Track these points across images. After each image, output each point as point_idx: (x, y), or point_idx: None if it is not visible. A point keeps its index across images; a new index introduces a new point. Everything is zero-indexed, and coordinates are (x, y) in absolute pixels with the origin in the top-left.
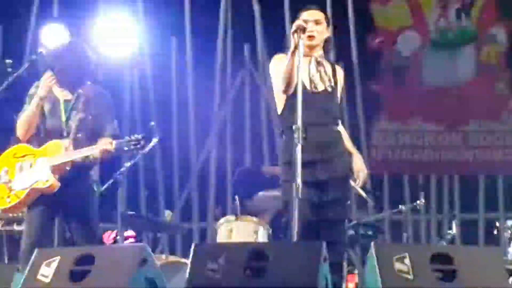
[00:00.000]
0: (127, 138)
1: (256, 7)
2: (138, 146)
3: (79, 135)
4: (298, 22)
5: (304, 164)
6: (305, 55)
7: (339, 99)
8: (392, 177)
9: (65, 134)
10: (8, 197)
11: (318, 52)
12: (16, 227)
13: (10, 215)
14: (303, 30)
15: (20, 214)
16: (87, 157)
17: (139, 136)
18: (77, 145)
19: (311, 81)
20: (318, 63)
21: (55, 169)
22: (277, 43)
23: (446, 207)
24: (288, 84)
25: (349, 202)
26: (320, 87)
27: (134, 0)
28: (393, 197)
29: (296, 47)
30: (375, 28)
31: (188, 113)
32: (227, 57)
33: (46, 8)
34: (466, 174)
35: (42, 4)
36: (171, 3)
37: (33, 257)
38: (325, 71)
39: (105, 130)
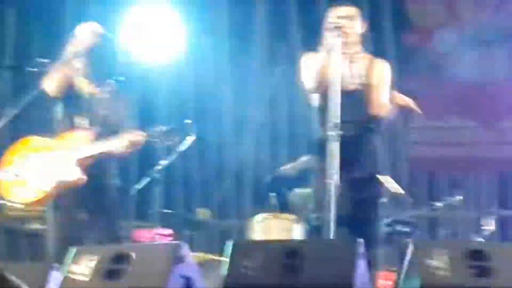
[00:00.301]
0: (159, 128)
1: (292, 6)
2: (170, 139)
3: (100, 129)
4: (334, 20)
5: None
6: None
7: (373, 95)
8: (429, 174)
9: (87, 127)
10: (30, 190)
11: (354, 49)
12: (34, 225)
13: (33, 213)
14: (339, 28)
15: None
16: (111, 150)
17: (169, 128)
18: (97, 139)
19: (342, 79)
20: (351, 61)
21: (81, 162)
22: (313, 41)
23: (484, 203)
24: (319, 83)
25: (380, 200)
26: (351, 86)
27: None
28: (430, 194)
29: (332, 47)
30: (411, 25)
31: (225, 112)
32: (263, 54)
33: (80, 8)
34: (504, 170)
35: (77, 4)
36: (207, 4)
37: (71, 255)
38: (358, 68)
39: (124, 128)
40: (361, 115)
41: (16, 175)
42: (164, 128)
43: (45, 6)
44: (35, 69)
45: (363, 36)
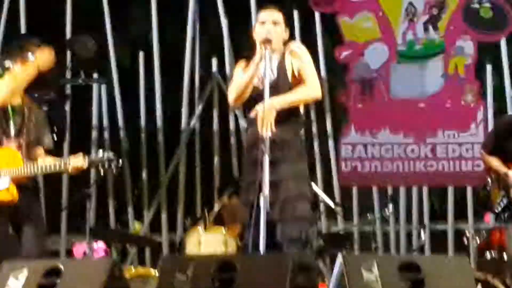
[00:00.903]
0: (100, 155)
1: (224, 21)
2: (113, 165)
3: (21, 140)
4: (265, 30)
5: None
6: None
7: (286, 87)
8: (361, 189)
9: (11, 138)
10: None
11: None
12: None
13: None
14: (269, 42)
15: None
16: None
17: (111, 154)
18: (21, 150)
19: (257, 79)
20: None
21: (15, 180)
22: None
23: (416, 217)
24: (239, 96)
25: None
26: (264, 84)
27: (100, 16)
28: (362, 208)
29: (261, 58)
30: (343, 41)
31: (157, 126)
32: (195, 70)
33: (13, 25)
34: (435, 185)
35: (10, 21)
36: (138, 18)
37: (0, 269)
38: (271, 66)
39: (43, 141)
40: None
41: None
42: (111, 155)
43: None
44: None
45: (287, 42)
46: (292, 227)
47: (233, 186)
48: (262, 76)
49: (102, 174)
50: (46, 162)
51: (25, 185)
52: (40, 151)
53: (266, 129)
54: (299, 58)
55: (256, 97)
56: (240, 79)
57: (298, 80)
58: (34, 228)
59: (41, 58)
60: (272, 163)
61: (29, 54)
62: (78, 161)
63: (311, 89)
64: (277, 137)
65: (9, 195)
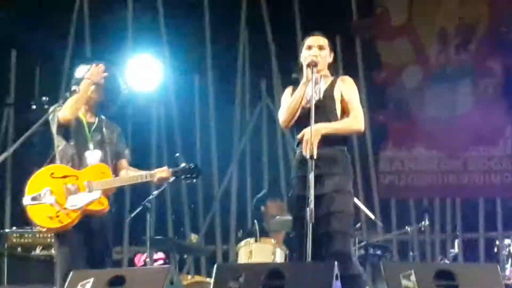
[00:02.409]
0: (182, 165)
1: (272, 46)
2: (194, 175)
3: (102, 154)
4: (312, 58)
5: (300, 179)
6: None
7: (333, 110)
8: (399, 201)
9: (91, 153)
10: (57, 216)
11: (321, 73)
12: (53, 251)
13: (48, 240)
14: (316, 65)
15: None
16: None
17: (192, 165)
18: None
19: (306, 99)
20: (316, 83)
21: (105, 192)
22: (290, 78)
23: (449, 227)
24: (290, 118)
25: (346, 215)
26: (310, 103)
27: (159, 41)
28: (400, 219)
29: (308, 80)
30: (381, 63)
31: (211, 144)
32: (246, 92)
33: (79, 50)
34: (467, 197)
35: (76, 47)
36: (193, 44)
37: (69, 278)
38: (319, 88)
39: (123, 154)
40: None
41: (34, 199)
42: (187, 166)
43: (46, 46)
44: (36, 107)
45: (331, 65)
46: (335, 241)
47: (270, 195)
48: (309, 98)
49: (186, 182)
50: (133, 174)
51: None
52: (122, 164)
53: (310, 151)
54: (350, 88)
55: (303, 116)
56: (289, 101)
57: (344, 107)
58: (104, 243)
59: (92, 73)
60: (318, 178)
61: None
62: (163, 172)
63: (356, 121)
64: (324, 154)
65: (100, 205)
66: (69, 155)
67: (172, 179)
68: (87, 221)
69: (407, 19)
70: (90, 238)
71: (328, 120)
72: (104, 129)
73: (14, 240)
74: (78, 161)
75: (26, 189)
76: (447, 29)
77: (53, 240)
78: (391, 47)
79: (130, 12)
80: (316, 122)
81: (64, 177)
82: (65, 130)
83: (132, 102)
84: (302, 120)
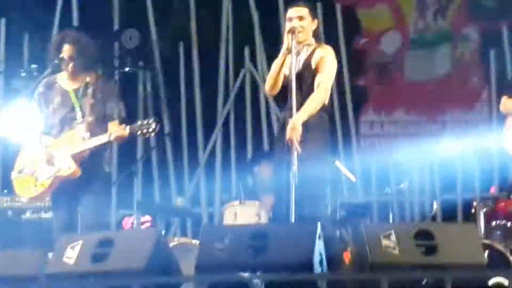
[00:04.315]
0: (139, 122)
1: (255, 14)
2: (150, 130)
3: (91, 119)
4: (291, 24)
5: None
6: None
7: (310, 81)
8: (378, 164)
9: (78, 120)
10: (35, 186)
11: (304, 44)
12: (44, 215)
13: (38, 204)
14: (294, 31)
15: (46, 204)
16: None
17: (151, 120)
18: (89, 129)
19: (289, 70)
20: (297, 53)
21: (75, 157)
22: (273, 45)
23: (428, 188)
24: (272, 85)
25: (316, 179)
26: (293, 74)
27: (144, 8)
28: (379, 182)
29: (288, 49)
30: (361, 29)
31: (196, 109)
32: (229, 58)
33: (67, 18)
34: (444, 158)
35: (64, 15)
36: (178, 12)
37: (58, 241)
38: (302, 57)
39: (113, 114)
40: (301, 97)
41: (19, 172)
42: (151, 120)
43: (34, 14)
44: (26, 74)
45: (315, 31)
46: (303, 204)
47: (264, 157)
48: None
49: (143, 137)
50: (94, 138)
51: (84, 161)
52: (113, 125)
53: (295, 148)
54: (323, 58)
55: (286, 85)
56: (272, 69)
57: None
58: (93, 204)
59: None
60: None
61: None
62: (119, 130)
63: (321, 96)
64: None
65: (69, 170)
66: (50, 125)
67: (127, 134)
68: (75, 183)
69: None
70: (78, 198)
71: (308, 91)
72: (91, 91)
73: (5, 204)
74: (59, 130)
75: (16, 164)
76: None
77: (43, 204)
78: (371, 13)
79: None
80: (298, 92)
81: (46, 147)
82: (44, 99)
83: (117, 70)
84: (285, 89)
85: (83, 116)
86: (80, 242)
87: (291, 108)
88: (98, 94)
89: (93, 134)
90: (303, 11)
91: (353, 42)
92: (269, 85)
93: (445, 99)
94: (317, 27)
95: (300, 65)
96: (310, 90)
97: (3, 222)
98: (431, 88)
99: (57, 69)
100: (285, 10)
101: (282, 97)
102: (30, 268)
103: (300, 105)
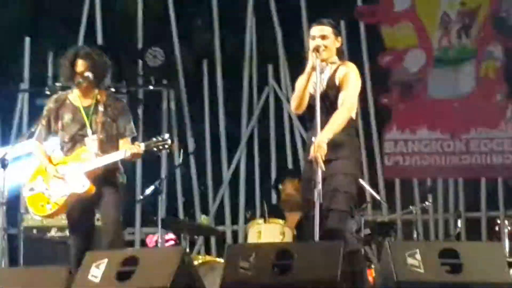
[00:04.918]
0: (153, 139)
1: (278, 31)
2: (166, 146)
3: (102, 136)
4: (315, 43)
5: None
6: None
7: (334, 99)
8: (403, 181)
9: (89, 137)
10: (49, 203)
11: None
12: (57, 233)
13: (63, 221)
14: (318, 50)
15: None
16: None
17: (166, 136)
18: (100, 146)
19: (313, 88)
20: (322, 71)
21: (89, 174)
22: (297, 62)
23: (452, 207)
24: (298, 104)
25: (344, 194)
26: (318, 92)
27: (168, 26)
28: (404, 199)
29: (313, 67)
30: (385, 47)
31: (219, 128)
32: (253, 76)
33: (91, 37)
34: (469, 177)
35: (88, 34)
36: (202, 30)
37: (84, 259)
38: (326, 75)
39: (125, 131)
40: (328, 116)
41: (31, 190)
42: (165, 136)
43: (58, 33)
44: (50, 92)
45: (339, 49)
46: (330, 218)
47: (289, 174)
48: (314, 86)
49: (157, 155)
50: (107, 155)
51: (98, 178)
52: (124, 142)
53: (320, 166)
54: (346, 76)
55: (312, 103)
56: (297, 89)
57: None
58: (111, 218)
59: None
60: (325, 162)
61: None
62: (134, 148)
63: (345, 113)
64: (332, 140)
65: (84, 188)
66: (62, 142)
67: (142, 151)
68: (90, 199)
69: (410, 5)
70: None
71: (332, 108)
72: (102, 109)
73: (30, 222)
74: (71, 147)
75: (27, 180)
76: (449, 14)
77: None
78: (394, 31)
79: None
80: (323, 111)
81: (56, 164)
82: (54, 115)
83: (141, 88)
84: (312, 108)
85: (93, 133)
86: (105, 260)
87: (315, 127)
88: (109, 111)
89: (104, 151)
90: (326, 29)
91: (377, 60)
92: (295, 104)
93: (469, 116)
94: (341, 45)
95: (324, 83)
96: (335, 107)
97: (28, 240)
98: (455, 105)
99: (77, 86)
100: (309, 27)
101: (309, 115)
102: (55, 285)
103: (325, 123)
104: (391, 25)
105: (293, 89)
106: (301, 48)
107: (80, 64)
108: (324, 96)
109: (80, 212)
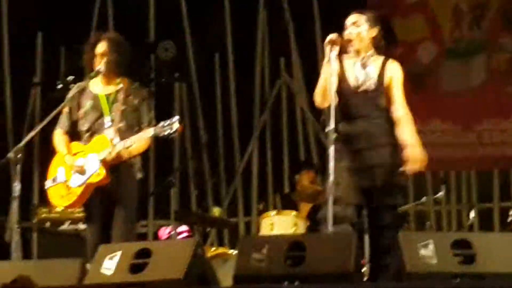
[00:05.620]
0: (161, 123)
1: (290, 24)
2: (174, 129)
3: (121, 125)
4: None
5: (352, 152)
6: (351, 58)
7: (384, 94)
8: (415, 173)
9: (108, 126)
10: (68, 194)
11: (366, 53)
12: (81, 226)
13: (76, 214)
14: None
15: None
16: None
17: (173, 119)
18: (120, 135)
19: (356, 81)
20: (363, 65)
21: (105, 163)
22: (309, 55)
23: (465, 198)
24: (323, 98)
25: (397, 189)
26: (364, 87)
27: (180, 20)
28: (417, 191)
29: (328, 60)
30: (397, 39)
31: (232, 121)
32: (265, 69)
33: (103, 30)
34: (481, 168)
35: (100, 27)
36: (213, 23)
37: (97, 252)
38: (370, 72)
39: (144, 121)
40: (371, 110)
41: (53, 181)
42: (173, 119)
43: (70, 27)
44: (62, 86)
45: (376, 40)
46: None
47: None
48: (361, 81)
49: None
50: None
51: (116, 168)
52: (143, 131)
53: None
54: (399, 76)
55: (349, 98)
56: (318, 84)
57: (388, 93)
58: (124, 213)
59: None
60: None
61: None
62: (145, 133)
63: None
64: (377, 124)
65: (98, 176)
66: (82, 130)
67: (150, 135)
68: (108, 191)
69: None
70: (112, 208)
71: (373, 105)
72: (123, 97)
73: (43, 215)
74: (88, 136)
75: (48, 172)
76: (461, 6)
77: (81, 214)
78: (406, 23)
79: None
80: (361, 106)
81: (75, 154)
82: (76, 104)
83: (153, 81)
84: (347, 102)
85: (112, 122)
86: (118, 253)
87: (335, 119)
88: (130, 99)
89: (123, 140)
90: (357, 17)
91: (389, 52)
92: (320, 99)
93: (481, 108)
94: (378, 37)
95: (371, 78)
96: (375, 103)
97: (41, 234)
98: (467, 97)
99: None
100: (321, 21)
101: (346, 106)
102: (68, 278)
103: (363, 119)
104: (403, 16)
105: (306, 82)
106: (313, 41)
107: (101, 45)
108: (365, 91)
109: (97, 203)
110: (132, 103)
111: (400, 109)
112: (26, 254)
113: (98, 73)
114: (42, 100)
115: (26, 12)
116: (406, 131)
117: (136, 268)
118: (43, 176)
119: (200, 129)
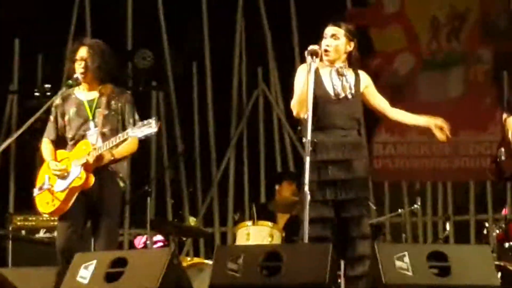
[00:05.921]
0: (139, 123)
1: (268, 34)
2: (153, 127)
3: (105, 130)
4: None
5: (325, 163)
6: (325, 67)
7: (361, 103)
8: (391, 184)
9: (92, 131)
10: (53, 200)
11: (339, 64)
12: (45, 235)
13: (51, 223)
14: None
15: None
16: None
17: (151, 120)
18: (104, 140)
19: (334, 89)
20: (339, 73)
21: (87, 167)
22: (286, 65)
23: (441, 210)
24: (300, 108)
25: (366, 201)
26: (342, 95)
27: (157, 28)
28: (392, 202)
29: (309, 70)
30: (375, 50)
31: (209, 130)
32: (242, 79)
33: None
34: (457, 180)
35: (77, 34)
36: (191, 32)
37: (73, 260)
38: (346, 80)
39: (127, 124)
40: (349, 121)
41: (40, 189)
42: (150, 120)
43: (48, 35)
44: (39, 94)
45: (350, 54)
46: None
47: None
48: (338, 90)
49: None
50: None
51: (99, 172)
52: (122, 133)
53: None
54: (371, 83)
55: (326, 106)
56: (296, 92)
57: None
58: (107, 222)
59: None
60: (347, 162)
61: None
62: (122, 135)
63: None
64: (352, 140)
65: (80, 180)
66: (67, 138)
67: (128, 137)
68: (91, 195)
69: (400, 7)
70: (92, 213)
71: (354, 115)
72: (106, 101)
73: (18, 223)
74: (74, 143)
75: (36, 181)
76: (439, 18)
77: (56, 222)
78: (384, 34)
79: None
80: (337, 115)
81: (61, 161)
82: (60, 111)
83: (130, 90)
84: (323, 111)
85: (95, 127)
86: (94, 261)
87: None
88: (112, 104)
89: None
90: (335, 30)
91: (367, 62)
92: (297, 109)
93: (458, 120)
94: (353, 51)
95: (348, 87)
96: (354, 111)
97: (17, 241)
98: (444, 108)
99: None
100: (299, 31)
101: (319, 118)
102: (43, 286)
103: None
104: (381, 27)
105: (282, 92)
106: (291, 51)
107: (81, 50)
108: (343, 99)
109: (79, 205)
110: (115, 107)
111: (393, 108)
112: (1, 262)
113: (75, 80)
114: (19, 108)
115: (3, 19)
116: (411, 115)
117: (111, 277)
118: (19, 186)
119: (177, 138)
